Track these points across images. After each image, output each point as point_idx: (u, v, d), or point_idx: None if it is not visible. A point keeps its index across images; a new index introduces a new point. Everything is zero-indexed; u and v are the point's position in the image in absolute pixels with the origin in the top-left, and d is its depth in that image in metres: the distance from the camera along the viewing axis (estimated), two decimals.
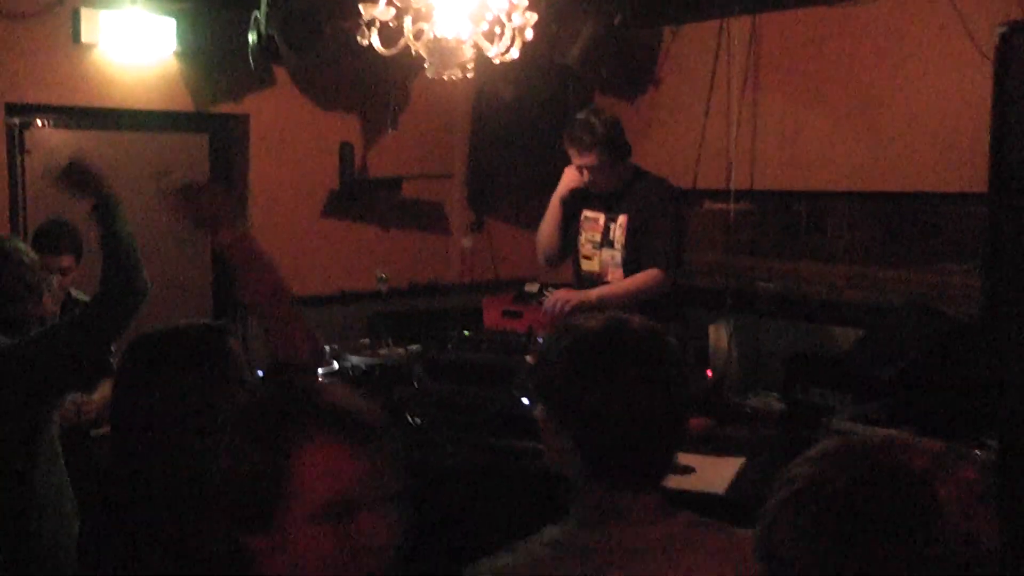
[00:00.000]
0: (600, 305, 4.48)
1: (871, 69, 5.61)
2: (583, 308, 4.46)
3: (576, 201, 4.95)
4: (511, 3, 3.46)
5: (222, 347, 2.31)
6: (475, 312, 5.98)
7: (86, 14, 5.36)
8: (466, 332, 4.42)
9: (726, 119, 6.08)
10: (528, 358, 3.91)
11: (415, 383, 4.01)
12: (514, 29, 3.53)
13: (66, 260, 4.54)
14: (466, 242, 6.89)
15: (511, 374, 3.84)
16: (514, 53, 3.62)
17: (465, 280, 6.90)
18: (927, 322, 4.68)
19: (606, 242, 4.89)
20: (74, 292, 4.65)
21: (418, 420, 3.78)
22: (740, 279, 6.17)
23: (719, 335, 5.79)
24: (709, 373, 5.08)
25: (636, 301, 4.48)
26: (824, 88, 5.82)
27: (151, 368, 2.23)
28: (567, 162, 4.90)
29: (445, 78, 3.64)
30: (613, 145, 4.73)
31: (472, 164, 6.84)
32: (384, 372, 4.27)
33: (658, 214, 4.82)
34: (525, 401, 3.68)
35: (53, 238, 4.53)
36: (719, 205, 6.26)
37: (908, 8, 5.44)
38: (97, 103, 5.54)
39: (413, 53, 3.58)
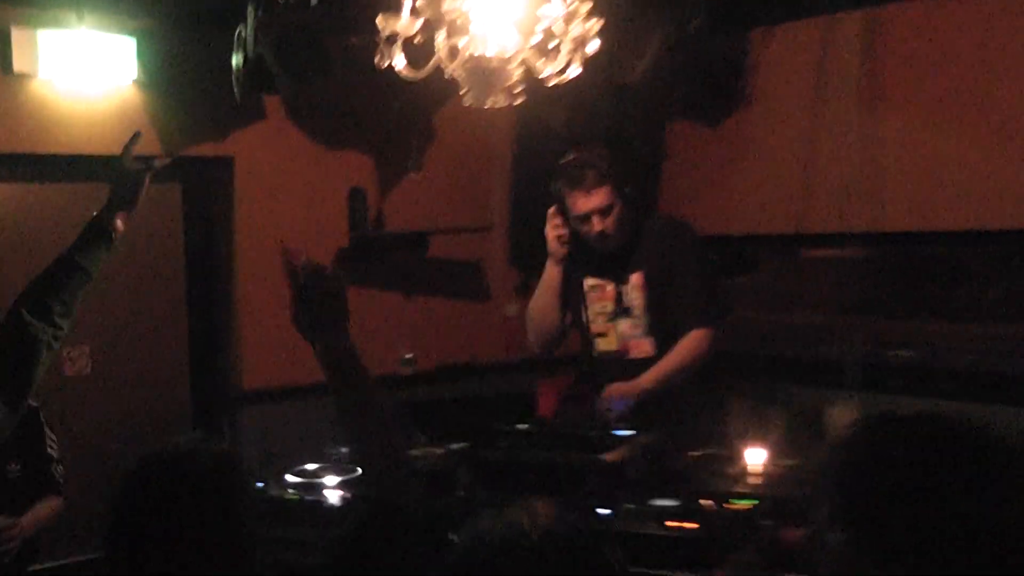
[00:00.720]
0: (658, 392, 4.62)
1: None
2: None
3: (571, 268, 4.98)
4: (568, 9, 3.49)
5: (238, 483, 2.43)
6: (527, 399, 6.02)
7: (19, 36, 5.28)
8: (522, 425, 4.41)
9: (837, 143, 6.06)
10: (606, 457, 3.89)
11: (460, 492, 3.98)
12: (573, 42, 3.55)
13: None
14: (510, 310, 6.92)
15: (584, 478, 3.81)
16: (573, 72, 3.63)
17: (512, 358, 6.90)
18: None
19: (620, 311, 4.90)
20: None
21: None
22: (864, 346, 6.11)
23: (842, 417, 5.72)
24: None
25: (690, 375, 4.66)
26: (964, 99, 5.73)
27: (156, 504, 2.32)
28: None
29: (487, 106, 3.66)
30: (624, 179, 4.79)
31: (516, 213, 6.89)
32: (416, 477, 4.20)
33: (680, 260, 4.85)
34: (603, 512, 3.66)
35: None
36: (831, 252, 6.28)
37: None
38: (37, 148, 5.56)
39: (447, 76, 3.60)
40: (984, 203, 5.69)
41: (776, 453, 4.03)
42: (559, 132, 6.31)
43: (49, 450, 4.70)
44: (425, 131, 6.54)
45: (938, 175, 5.84)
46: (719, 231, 6.48)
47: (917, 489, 1.71)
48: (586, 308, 4.97)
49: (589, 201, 4.72)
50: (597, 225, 4.74)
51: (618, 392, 4.68)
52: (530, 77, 3.66)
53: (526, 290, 6.92)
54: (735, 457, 3.98)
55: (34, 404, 4.55)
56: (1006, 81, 5.57)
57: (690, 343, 4.75)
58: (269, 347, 6.19)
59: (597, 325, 4.96)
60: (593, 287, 4.95)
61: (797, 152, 6.17)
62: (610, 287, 4.91)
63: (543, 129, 6.35)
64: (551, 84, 3.71)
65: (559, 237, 4.86)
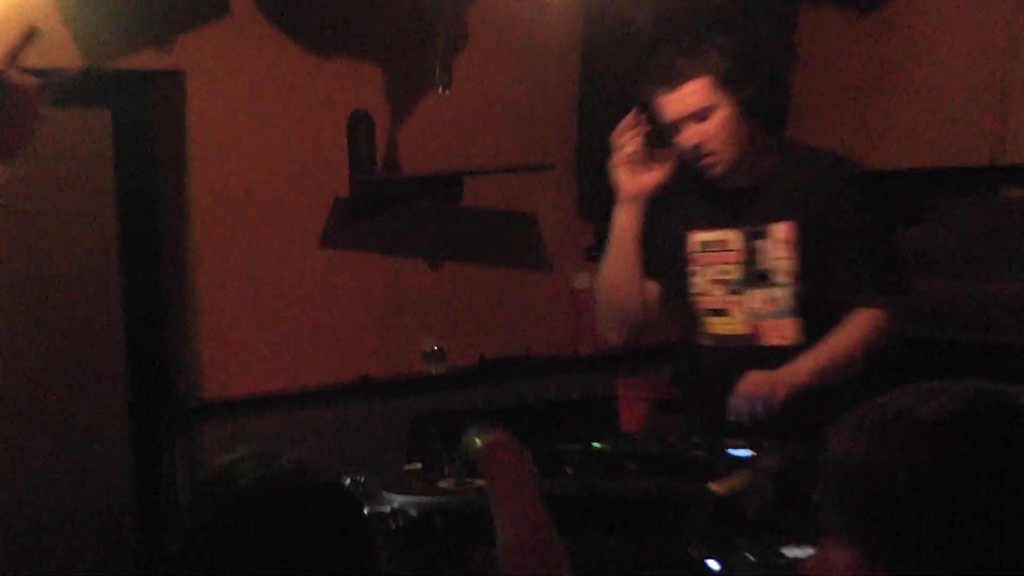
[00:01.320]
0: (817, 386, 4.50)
1: None
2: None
3: (671, 214, 4.93)
4: None
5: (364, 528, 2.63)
6: (605, 405, 5.88)
7: None
8: (596, 444, 4.35)
9: None
10: (713, 487, 3.83)
11: None
12: None
13: None
14: (580, 281, 6.86)
15: (685, 516, 3.80)
16: None
17: (583, 350, 6.88)
18: None
19: (754, 278, 4.78)
20: None
21: None
22: None
23: None
24: None
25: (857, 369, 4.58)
26: None
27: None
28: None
29: None
30: (740, 76, 4.69)
31: (585, 147, 6.82)
32: (451, 520, 4.20)
33: (852, 211, 4.73)
34: (712, 565, 3.65)
35: None
36: None
37: None
38: None
39: None
40: None
41: None
42: (646, 34, 6.29)
43: None
44: (456, 32, 6.49)
45: None
46: (871, 164, 6.33)
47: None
48: (695, 275, 4.87)
49: (680, 101, 4.64)
50: (692, 136, 4.65)
51: (760, 385, 4.51)
52: None
53: (601, 253, 6.85)
54: None
55: None
56: None
57: (862, 324, 4.65)
58: (238, 341, 6.24)
59: (712, 299, 4.87)
60: (707, 244, 4.85)
61: (989, 53, 6.12)
62: (734, 240, 4.79)
63: (623, 29, 6.35)
64: None
65: (632, 154, 4.75)
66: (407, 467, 4.91)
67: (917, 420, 1.84)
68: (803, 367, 4.54)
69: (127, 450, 6.27)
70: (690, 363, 5.09)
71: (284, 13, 6.16)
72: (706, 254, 4.83)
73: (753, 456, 4.02)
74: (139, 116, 6.23)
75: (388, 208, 6.49)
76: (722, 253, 4.79)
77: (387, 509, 4.26)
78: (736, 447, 4.15)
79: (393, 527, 4.17)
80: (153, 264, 6.29)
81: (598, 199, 6.62)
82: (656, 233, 4.91)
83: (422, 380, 6.25)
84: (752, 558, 3.62)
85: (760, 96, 4.72)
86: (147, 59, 5.96)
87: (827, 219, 4.68)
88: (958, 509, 1.77)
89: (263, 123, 6.21)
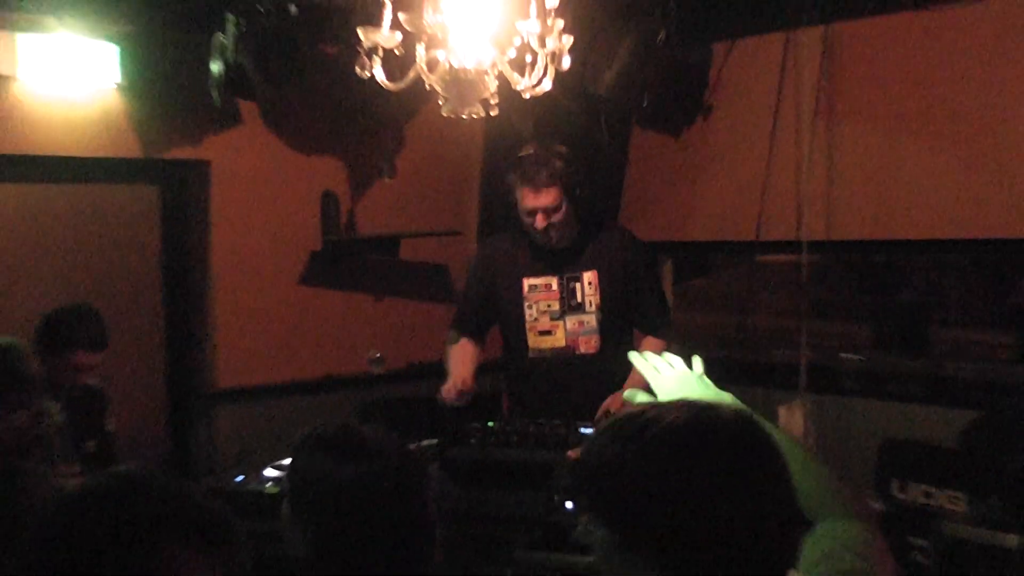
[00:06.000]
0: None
1: (975, 88, 5.58)
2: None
3: (509, 267, 5.05)
4: (544, 24, 3.56)
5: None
6: (493, 399, 6.01)
7: (1, 39, 5.32)
8: (490, 423, 4.45)
9: (795, 153, 6.14)
10: (570, 453, 3.96)
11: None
12: (548, 55, 3.63)
13: (82, 356, 4.69)
14: None
15: (550, 474, 3.88)
16: (546, 85, 3.71)
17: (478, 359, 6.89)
18: None
19: (571, 307, 4.97)
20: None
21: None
22: (816, 350, 6.19)
23: (792, 417, 5.79)
24: None
25: None
26: (917, 113, 5.82)
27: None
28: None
29: (464, 117, 3.73)
30: (575, 181, 4.85)
31: (483, 218, 6.94)
32: None
33: (640, 269, 5.01)
34: (568, 506, 3.75)
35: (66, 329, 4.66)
36: (786, 258, 6.35)
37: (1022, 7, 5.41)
38: (20, 149, 5.56)
39: (427, 87, 3.67)
40: (936, 212, 5.78)
41: None
42: (528, 139, 6.26)
43: (109, 427, 4.94)
44: (398, 138, 6.59)
45: (891, 185, 5.92)
46: (678, 237, 6.62)
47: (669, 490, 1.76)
48: (526, 309, 5.01)
49: (538, 199, 4.78)
50: (541, 222, 4.80)
51: (617, 403, 4.64)
52: (506, 89, 3.73)
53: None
54: None
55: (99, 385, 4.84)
56: (953, 96, 5.67)
57: (653, 347, 4.77)
58: (243, 347, 6.26)
59: (542, 323, 5.01)
60: (534, 287, 5.00)
61: (756, 162, 6.23)
62: (554, 283, 4.97)
63: (512, 136, 6.32)
64: (528, 96, 3.79)
65: (453, 400, 4.80)
66: None
67: (662, 427, 1.79)
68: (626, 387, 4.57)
69: (167, 422, 6.29)
70: (519, 372, 5.14)
71: (279, 123, 6.23)
72: (533, 295, 4.98)
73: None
74: (178, 191, 6.21)
75: (347, 259, 6.53)
76: (546, 292, 4.96)
77: None
78: (585, 426, 4.27)
79: None
80: (185, 294, 6.27)
81: None
82: (496, 281, 5.07)
83: (368, 378, 6.25)
84: None
85: (584, 192, 4.91)
86: (184, 152, 6.01)
87: (622, 273, 4.92)
88: (693, 497, 1.74)
89: (262, 197, 6.28)
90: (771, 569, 1.77)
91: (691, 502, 1.74)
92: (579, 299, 4.95)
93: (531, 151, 4.88)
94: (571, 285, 4.95)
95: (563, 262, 4.95)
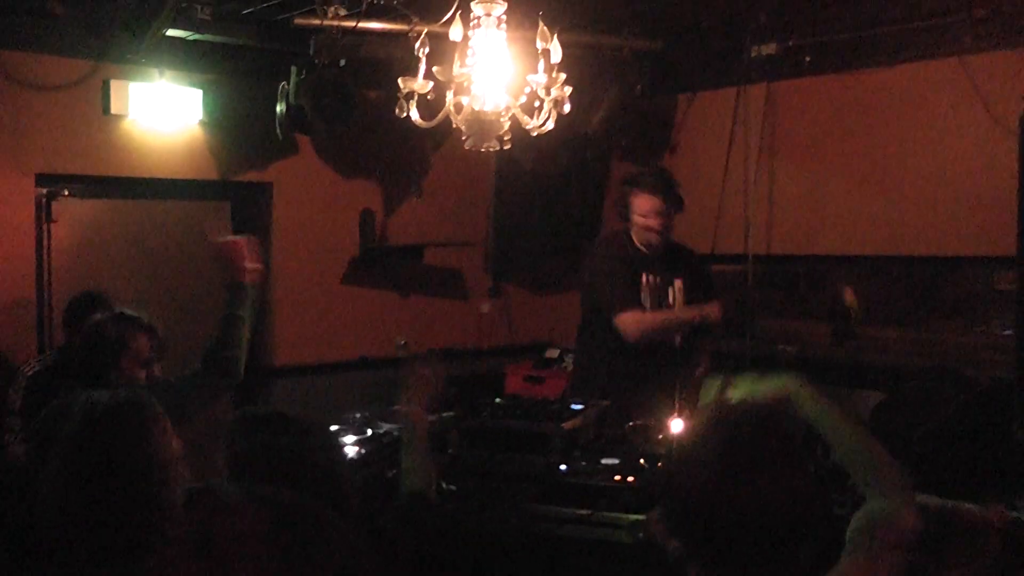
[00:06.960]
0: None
1: (889, 134, 5.71)
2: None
3: (630, 264, 4.81)
4: (549, 77, 3.54)
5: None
6: (496, 378, 5.98)
7: (116, 86, 5.52)
8: (498, 399, 4.41)
9: (743, 184, 6.16)
10: (564, 425, 3.91)
11: (450, 451, 3.97)
12: (551, 102, 3.61)
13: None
14: (484, 307, 6.96)
15: (547, 441, 3.83)
16: (549, 125, 3.69)
17: (483, 346, 6.95)
18: (953, 385, 4.72)
19: (660, 307, 4.80)
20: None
21: (452, 487, 3.76)
22: (759, 342, 6.17)
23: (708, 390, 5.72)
24: None
25: None
26: (842, 153, 5.93)
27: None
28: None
29: (482, 150, 3.71)
30: (679, 199, 4.75)
31: (492, 232, 6.93)
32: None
33: (704, 281, 4.93)
34: (563, 468, 3.70)
35: (84, 312, 4.52)
36: (734, 267, 6.29)
37: (923, 74, 5.56)
38: (124, 172, 5.67)
39: (454, 126, 3.65)
40: (857, 233, 5.89)
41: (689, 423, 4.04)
42: (528, 169, 6.40)
43: None
44: (425, 166, 6.59)
45: (820, 211, 6.03)
46: None
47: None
48: (644, 298, 4.80)
49: (658, 204, 4.67)
50: (655, 223, 4.69)
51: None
52: (516, 128, 3.71)
53: (496, 292, 7.00)
54: (662, 427, 3.98)
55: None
56: (869, 142, 5.81)
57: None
58: (295, 333, 6.25)
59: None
60: (648, 282, 4.79)
61: (712, 190, 6.23)
62: (658, 283, 4.80)
63: (516, 166, 6.42)
64: (534, 135, 3.77)
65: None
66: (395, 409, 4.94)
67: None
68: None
69: (235, 392, 6.12)
70: (617, 350, 4.74)
71: (329, 153, 6.23)
72: (645, 287, 4.74)
73: (584, 408, 4.06)
74: (246, 207, 6.22)
75: (380, 263, 6.50)
76: (652, 289, 4.75)
77: (381, 431, 4.26)
78: (576, 403, 4.17)
79: (383, 443, 4.12)
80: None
81: (495, 262, 6.94)
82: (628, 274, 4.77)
83: (395, 360, 6.11)
84: (584, 464, 3.68)
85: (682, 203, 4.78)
86: (252, 175, 6.05)
87: (695, 281, 4.84)
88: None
89: (313, 213, 6.26)
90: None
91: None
92: (671, 300, 4.80)
93: (656, 169, 4.84)
94: (666, 287, 4.80)
95: (659, 268, 4.80)
